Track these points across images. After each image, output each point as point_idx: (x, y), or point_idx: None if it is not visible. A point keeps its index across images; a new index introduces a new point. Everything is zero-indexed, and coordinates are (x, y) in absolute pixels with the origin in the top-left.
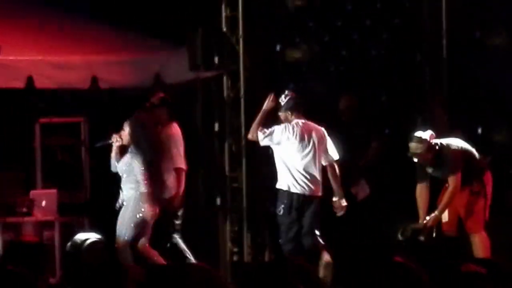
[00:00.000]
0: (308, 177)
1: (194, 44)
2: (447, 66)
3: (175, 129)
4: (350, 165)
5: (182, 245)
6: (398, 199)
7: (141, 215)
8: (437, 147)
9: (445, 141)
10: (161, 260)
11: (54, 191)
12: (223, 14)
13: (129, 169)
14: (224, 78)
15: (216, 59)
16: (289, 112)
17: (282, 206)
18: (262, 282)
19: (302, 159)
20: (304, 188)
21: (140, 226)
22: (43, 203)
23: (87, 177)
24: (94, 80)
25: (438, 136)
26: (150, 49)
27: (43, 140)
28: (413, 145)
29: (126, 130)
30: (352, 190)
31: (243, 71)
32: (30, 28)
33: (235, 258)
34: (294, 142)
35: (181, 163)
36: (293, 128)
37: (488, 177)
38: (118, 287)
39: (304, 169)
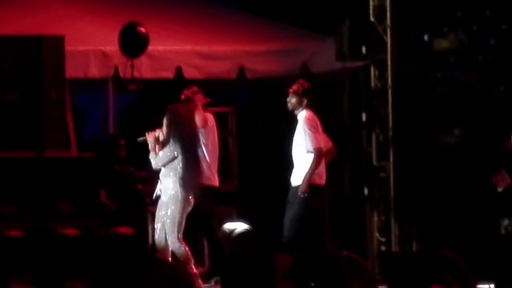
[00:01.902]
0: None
1: (342, 34)
2: None
3: (210, 121)
4: (490, 153)
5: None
6: None
7: (181, 209)
8: None
9: None
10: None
11: None
12: (371, 4)
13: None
14: (372, 68)
15: (363, 49)
16: (306, 98)
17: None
18: (409, 272)
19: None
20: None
21: (183, 220)
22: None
23: (235, 167)
24: (242, 70)
25: None
26: (297, 39)
27: None
28: None
29: (164, 123)
30: (493, 180)
31: (390, 61)
32: (179, 18)
33: (382, 248)
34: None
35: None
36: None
37: None
38: (265, 275)
39: None
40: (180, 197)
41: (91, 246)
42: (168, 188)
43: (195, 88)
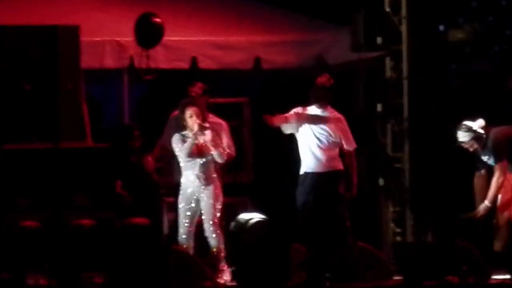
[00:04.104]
0: None
1: (357, 25)
2: None
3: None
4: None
5: None
6: None
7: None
8: (484, 136)
9: (495, 129)
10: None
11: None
12: None
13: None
14: (387, 59)
15: (378, 40)
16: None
17: None
18: (424, 263)
19: None
20: None
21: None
22: None
23: (250, 158)
24: (257, 61)
25: None
26: (313, 30)
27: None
28: (460, 134)
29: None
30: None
31: (406, 52)
32: (194, 9)
33: (397, 239)
34: None
35: None
36: None
37: None
38: (280, 265)
39: None
40: (213, 190)
41: (107, 237)
42: (210, 175)
43: (202, 85)
